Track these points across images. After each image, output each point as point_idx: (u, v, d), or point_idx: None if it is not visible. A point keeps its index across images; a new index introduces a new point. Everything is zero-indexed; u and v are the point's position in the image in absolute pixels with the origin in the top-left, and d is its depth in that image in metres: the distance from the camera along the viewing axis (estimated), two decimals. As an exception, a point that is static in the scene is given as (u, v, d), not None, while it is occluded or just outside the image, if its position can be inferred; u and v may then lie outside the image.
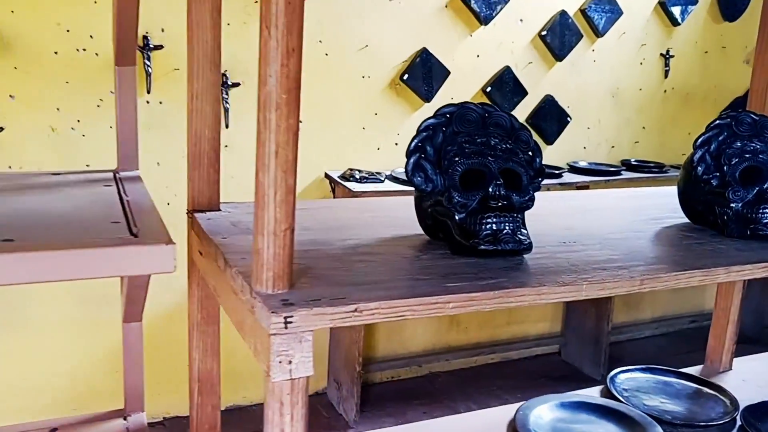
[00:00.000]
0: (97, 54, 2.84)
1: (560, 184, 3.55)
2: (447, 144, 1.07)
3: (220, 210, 1.27)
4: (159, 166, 3.01)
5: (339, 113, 3.31)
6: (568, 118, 3.87)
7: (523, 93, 3.71)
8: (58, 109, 2.81)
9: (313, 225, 1.20)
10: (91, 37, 2.82)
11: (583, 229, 1.28)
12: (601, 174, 3.75)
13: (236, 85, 3.08)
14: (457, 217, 1.05)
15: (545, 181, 3.56)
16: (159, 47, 2.93)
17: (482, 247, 1.01)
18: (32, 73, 2.74)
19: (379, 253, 1.05)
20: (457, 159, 1.05)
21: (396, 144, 3.49)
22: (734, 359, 2.02)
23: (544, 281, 0.95)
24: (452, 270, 0.98)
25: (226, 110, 3.07)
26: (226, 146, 3.10)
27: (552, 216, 1.38)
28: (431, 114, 1.09)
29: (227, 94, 3.06)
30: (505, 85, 3.65)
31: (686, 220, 1.39)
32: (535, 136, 3.81)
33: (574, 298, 0.97)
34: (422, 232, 1.14)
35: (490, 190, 1.04)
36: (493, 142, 1.07)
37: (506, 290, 0.91)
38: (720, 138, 1.30)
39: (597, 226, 1.31)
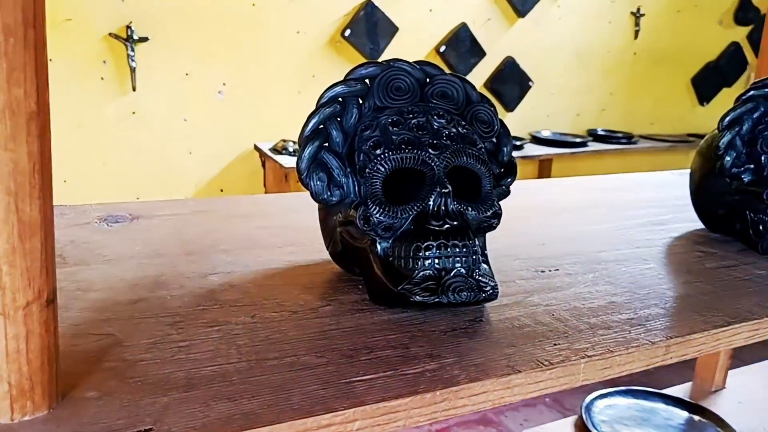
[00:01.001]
0: None
1: (521, 157, 3.19)
2: (364, 127, 0.67)
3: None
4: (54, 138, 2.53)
5: (270, 75, 2.86)
6: (530, 83, 3.49)
7: (480, 54, 3.32)
8: None
9: (163, 246, 0.79)
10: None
11: (564, 244, 0.90)
12: (565, 145, 3.40)
13: (144, 39, 2.61)
14: (378, 247, 0.65)
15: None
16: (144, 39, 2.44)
17: (418, 298, 0.62)
18: None
19: (249, 305, 0.65)
20: (378, 152, 0.65)
21: (337, 111, 3.07)
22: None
23: (517, 362, 0.57)
24: (366, 342, 0.59)
25: (133, 70, 2.60)
26: (134, 113, 2.64)
27: (518, 221, 0.99)
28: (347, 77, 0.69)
29: (133, 50, 2.58)
30: (461, 45, 3.25)
31: (699, 224, 1.02)
32: (495, 103, 3.42)
33: (566, 387, 0.59)
34: (331, 259, 0.75)
35: (431, 202, 0.64)
36: (437, 123, 0.67)
37: (455, 389, 0.53)
38: (756, 115, 0.92)
39: (582, 239, 0.93)
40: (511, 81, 3.44)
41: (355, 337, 0.59)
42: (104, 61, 2.57)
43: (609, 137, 3.60)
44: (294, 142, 2.82)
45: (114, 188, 2.63)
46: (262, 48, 2.82)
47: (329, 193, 0.66)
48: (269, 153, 2.77)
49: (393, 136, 0.65)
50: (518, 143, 3.27)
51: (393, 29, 3.05)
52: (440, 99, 0.70)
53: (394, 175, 0.65)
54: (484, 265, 0.66)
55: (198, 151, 2.77)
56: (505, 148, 0.73)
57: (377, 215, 0.64)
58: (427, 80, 0.70)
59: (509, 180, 0.72)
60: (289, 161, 2.70)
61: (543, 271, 0.79)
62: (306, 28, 2.89)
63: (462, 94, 0.71)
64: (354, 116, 0.68)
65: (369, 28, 2.98)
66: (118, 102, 2.61)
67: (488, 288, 0.64)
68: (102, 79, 2.58)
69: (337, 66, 3.01)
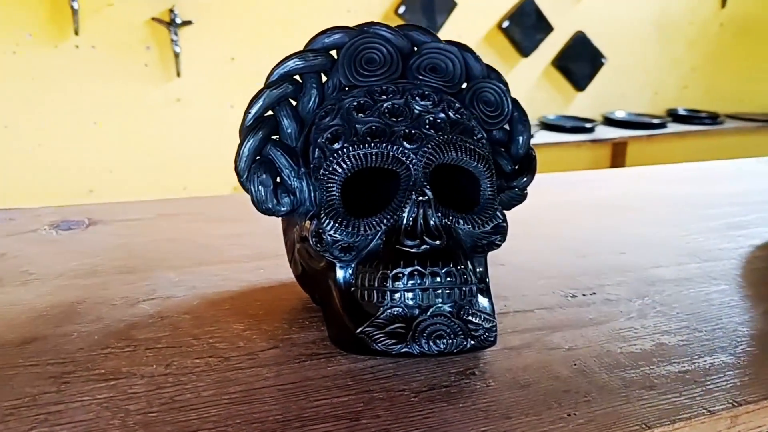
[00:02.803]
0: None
1: (591, 141, 2.93)
2: (324, 113, 0.51)
3: (-27, 227, 0.73)
4: (97, 127, 2.48)
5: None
6: (603, 59, 3.21)
7: (547, 29, 3.07)
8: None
9: (104, 260, 0.65)
10: (-2, -35, 2.27)
11: (609, 257, 0.71)
12: (642, 127, 3.11)
13: (187, 23, 2.51)
14: (338, 273, 0.49)
15: (570, 137, 2.93)
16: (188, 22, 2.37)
17: (379, 345, 0.46)
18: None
19: (171, 347, 0.50)
20: (336, 146, 0.48)
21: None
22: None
23: (509, 447, 0.40)
24: (304, 408, 0.43)
25: (177, 55, 2.51)
26: (179, 100, 2.55)
27: (554, 224, 0.81)
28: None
29: (176, 35, 2.49)
30: (526, 19, 3.01)
31: (791, 228, 0.81)
32: (563, 82, 3.17)
33: (583, 479, 0.42)
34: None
35: (405, 214, 0.47)
36: (419, 107, 0.50)
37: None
38: None
39: (634, 249, 0.74)
40: (582, 58, 3.17)
41: (292, 399, 0.44)
42: (147, 47, 2.49)
43: (691, 117, 3.28)
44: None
45: (160, 178, 2.56)
46: (310, 29, 2.65)
47: (275, 201, 0.50)
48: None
49: (357, 125, 0.49)
50: (588, 125, 3.01)
51: (450, 4, 2.85)
52: (429, 74, 0.52)
53: (359, 178, 0.49)
54: (482, 300, 0.49)
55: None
56: (520, 138, 0.55)
57: (331, 232, 0.47)
58: (412, 48, 0.53)
59: (525, 180, 0.54)
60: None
61: (574, 296, 0.61)
62: (356, 6, 2.73)
63: (459, 67, 0.53)
64: (313, 99, 0.52)
65: (425, 4, 2.79)
66: (162, 88, 2.53)
67: (479, 332, 0.47)
68: (146, 65, 2.50)
69: (390, 46, 2.84)
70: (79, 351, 0.49)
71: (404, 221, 0.47)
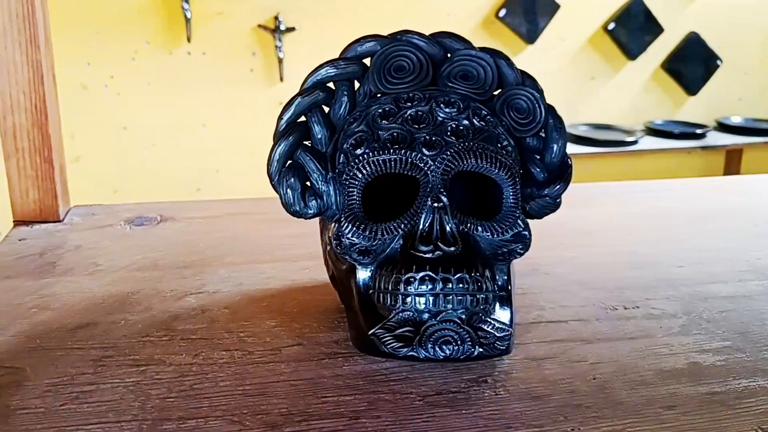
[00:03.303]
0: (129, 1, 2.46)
1: (702, 147, 2.78)
2: (353, 119, 0.52)
3: (60, 221, 0.80)
4: (205, 129, 2.63)
5: (418, 61, 2.74)
6: (718, 61, 3.03)
7: (657, 30, 2.93)
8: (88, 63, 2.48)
9: (166, 255, 0.70)
10: (121, -22, 2.45)
11: (664, 270, 0.68)
12: (760, 133, 2.91)
13: (291, 29, 2.60)
14: (358, 275, 0.51)
15: (679, 144, 2.78)
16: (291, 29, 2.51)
17: (387, 348, 0.47)
18: (61, 23, 2.41)
19: (204, 338, 0.53)
20: (359, 152, 0.50)
21: (489, 97, 2.87)
22: None
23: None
24: (309, 404, 0.44)
25: (280, 61, 2.61)
26: (281, 104, 2.64)
27: (612, 233, 0.78)
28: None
29: (280, 41, 2.59)
30: (634, 20, 2.89)
31: None
32: (674, 85, 3.01)
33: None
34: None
35: (422, 220, 0.48)
36: (443, 114, 0.50)
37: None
38: None
39: (693, 263, 0.70)
40: (695, 60, 3.00)
41: (301, 395, 0.46)
42: (253, 53, 2.61)
43: (818, 123, 3.03)
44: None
45: (263, 178, 2.66)
46: (409, 33, 2.70)
47: (303, 204, 0.52)
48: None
49: (380, 132, 0.50)
50: (699, 131, 2.86)
51: (553, 6, 2.79)
52: (460, 81, 0.53)
53: (383, 183, 0.50)
54: (499, 308, 0.49)
55: (344, 141, 2.73)
56: (554, 146, 0.54)
57: (350, 235, 0.49)
58: (444, 56, 0.54)
59: (557, 188, 0.53)
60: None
61: (615, 309, 0.59)
62: (456, 10, 2.72)
63: (492, 74, 0.53)
64: (344, 106, 0.53)
65: (527, 7, 2.74)
66: (266, 93, 2.64)
67: (489, 340, 0.47)
68: (251, 70, 2.62)
69: (489, 49, 2.81)
70: (122, 338, 0.53)
71: (420, 227, 0.48)
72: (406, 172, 0.49)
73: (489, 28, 2.78)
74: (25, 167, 0.77)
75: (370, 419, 0.43)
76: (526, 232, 0.50)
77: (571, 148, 2.64)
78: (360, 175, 0.49)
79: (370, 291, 0.49)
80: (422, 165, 0.48)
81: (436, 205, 0.48)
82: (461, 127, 0.50)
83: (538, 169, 0.54)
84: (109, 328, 0.55)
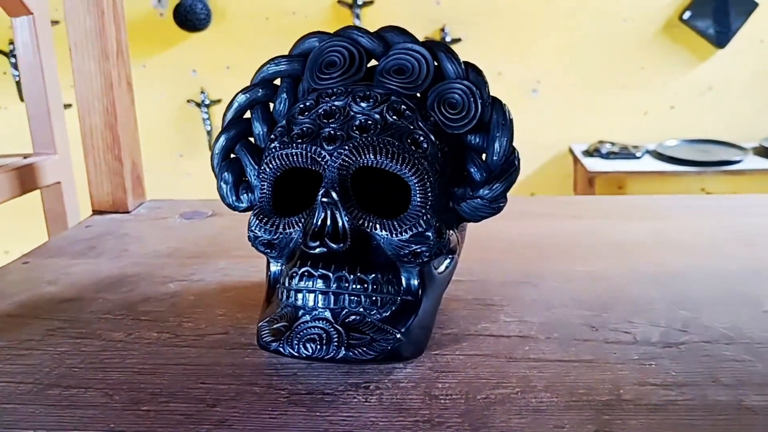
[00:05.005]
0: (306, 16, 2.65)
1: None
2: (289, 115, 0.53)
3: (128, 212, 0.90)
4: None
5: (590, 70, 2.60)
6: None
7: None
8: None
9: (189, 245, 0.75)
10: (300, -2, 2.64)
11: (690, 288, 0.59)
12: None
13: (456, 41, 2.62)
14: (270, 268, 0.51)
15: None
16: (369, 2, 2.62)
17: (263, 339, 0.47)
18: (244, 41, 2.66)
19: (150, 321, 0.56)
20: (272, 146, 0.50)
21: (672, 107, 2.64)
22: None
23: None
24: (182, 386, 0.46)
25: (446, 72, 2.62)
26: (445, 114, 2.67)
27: (697, 251, 0.69)
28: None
29: (446, 52, 2.61)
30: None
31: None
32: None
33: None
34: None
35: (315, 216, 0.47)
36: (356, 108, 0.49)
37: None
38: None
39: (728, 281, 0.60)
40: None
41: (183, 378, 0.47)
42: (420, 65, 2.66)
43: None
44: (611, 143, 2.52)
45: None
46: (581, 41, 2.58)
47: (235, 197, 0.54)
48: (579, 155, 2.53)
49: (294, 127, 0.50)
50: None
51: (749, 6, 2.49)
52: (394, 76, 0.51)
53: (288, 179, 0.50)
54: (394, 312, 0.46)
55: (509, 152, 2.67)
56: (496, 144, 0.50)
57: (254, 228, 0.50)
58: (378, 50, 0.53)
59: (495, 189, 0.49)
60: (597, 164, 2.42)
61: (595, 329, 0.53)
62: (634, 14, 2.54)
63: (427, 68, 0.51)
64: (283, 103, 0.54)
65: (717, 7, 2.48)
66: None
67: (358, 344, 0.44)
68: (417, 82, 2.67)
69: (671, 55, 2.58)
70: (89, 313, 0.59)
71: (313, 222, 0.47)
72: (308, 167, 0.48)
73: (671, 33, 2.56)
74: (100, 163, 0.88)
75: (226, 408, 0.43)
76: (429, 233, 0.47)
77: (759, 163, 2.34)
78: (268, 170, 0.50)
79: (277, 285, 0.50)
80: (320, 159, 0.48)
81: (325, 200, 0.47)
82: (369, 122, 0.48)
83: (475, 169, 0.50)
84: (87, 304, 0.61)
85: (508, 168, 0.50)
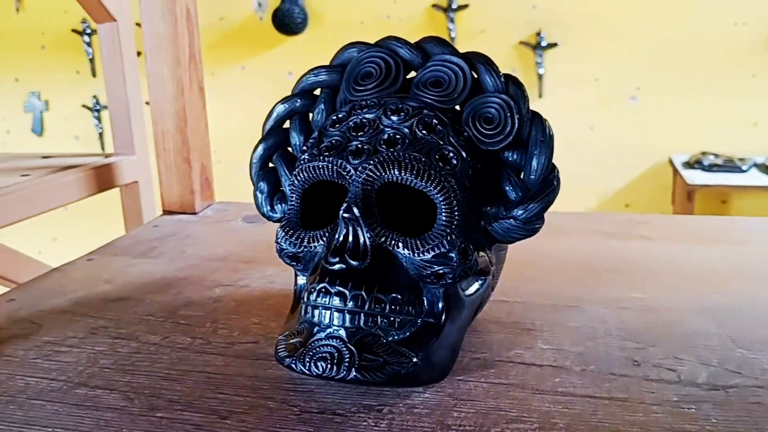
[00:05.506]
0: (400, 20, 2.65)
1: None
2: (322, 126, 0.52)
3: (195, 213, 0.93)
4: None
5: (695, 76, 2.46)
6: None
7: None
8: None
9: (244, 249, 0.76)
10: (394, 2, 2.65)
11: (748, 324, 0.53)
12: None
13: (552, 45, 2.54)
14: (298, 282, 0.51)
15: None
16: (464, 6, 2.59)
17: (279, 354, 0.46)
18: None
19: (188, 326, 0.57)
20: (302, 158, 0.50)
21: (786, 118, 2.45)
22: None
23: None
24: (201, 395, 0.46)
25: (540, 77, 2.56)
26: (537, 120, 2.60)
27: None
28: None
29: (541, 57, 2.55)
30: None
31: None
32: None
33: None
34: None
35: (338, 231, 0.46)
36: (387, 122, 0.48)
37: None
38: None
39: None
40: None
41: (203, 387, 0.48)
42: (513, 70, 2.60)
43: None
44: (715, 155, 2.37)
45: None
46: (686, 45, 2.44)
47: (269, 207, 0.54)
48: (679, 167, 2.39)
49: (324, 139, 0.49)
50: None
51: None
52: (430, 88, 0.50)
53: (315, 191, 0.50)
54: (414, 334, 0.45)
55: (604, 161, 2.57)
56: (534, 162, 0.48)
57: (280, 240, 0.49)
58: (415, 61, 0.51)
59: (530, 210, 0.47)
60: (698, 177, 2.28)
61: (637, 364, 0.49)
62: (747, 17, 2.38)
63: (464, 81, 0.49)
64: (321, 113, 0.54)
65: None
66: (522, 110, 2.62)
67: (370, 366, 0.43)
68: (510, 87, 2.62)
69: (788, 62, 2.41)
70: (133, 314, 0.61)
71: (336, 238, 0.46)
72: (334, 180, 0.48)
73: (790, 37, 2.38)
74: (170, 166, 0.91)
75: (236, 422, 0.43)
76: (453, 255, 0.45)
77: None
78: (297, 181, 0.49)
79: (300, 299, 0.49)
80: (345, 173, 0.47)
81: (346, 216, 0.46)
82: (398, 136, 0.47)
83: (510, 187, 0.48)
84: (133, 305, 0.63)
85: (545, 187, 0.48)
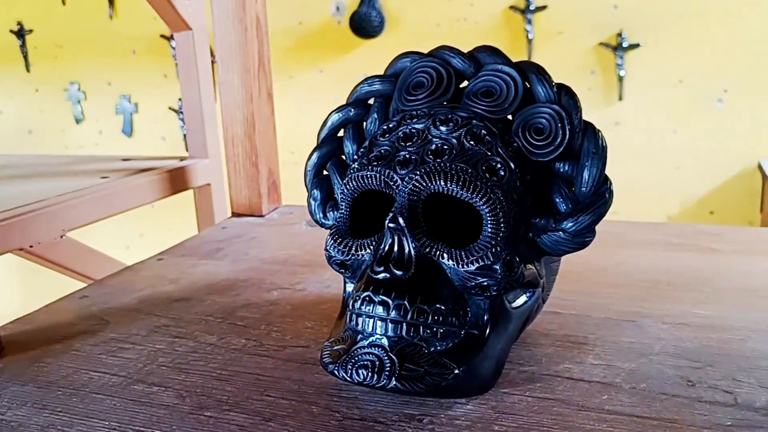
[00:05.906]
0: (477, 23, 2.63)
1: None
2: (373, 136, 0.53)
3: (262, 216, 0.95)
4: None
5: (789, 78, 2.33)
6: None
7: None
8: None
9: (304, 254, 0.77)
10: (471, 4, 2.63)
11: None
12: None
13: (634, 46, 2.46)
14: (346, 289, 0.52)
15: None
16: (542, 8, 2.54)
17: (324, 360, 0.47)
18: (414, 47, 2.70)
19: (244, 327, 0.59)
20: (353, 167, 0.51)
21: None
22: None
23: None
24: (248, 396, 0.48)
25: (620, 79, 2.49)
26: (617, 123, 2.53)
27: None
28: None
29: (622, 58, 2.47)
30: None
31: None
32: None
33: None
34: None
35: (384, 241, 0.47)
36: (435, 132, 0.48)
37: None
38: None
39: None
40: None
41: (251, 388, 0.49)
42: (592, 72, 2.53)
43: None
44: (810, 162, 2.24)
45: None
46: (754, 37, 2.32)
47: (321, 215, 0.55)
48: (770, 173, 2.27)
49: (374, 148, 0.50)
50: None
51: None
52: (481, 98, 0.49)
53: (364, 201, 0.50)
54: (458, 345, 0.45)
55: (687, 166, 2.46)
56: (585, 173, 0.47)
57: (329, 248, 0.50)
58: (467, 71, 0.51)
59: (580, 222, 0.46)
60: (790, 184, 2.16)
61: (691, 384, 0.48)
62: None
63: (515, 91, 0.49)
64: (374, 122, 0.54)
65: None
66: (601, 112, 2.54)
67: (410, 376, 0.43)
68: (588, 89, 2.55)
69: None
70: (194, 314, 0.63)
71: (381, 247, 0.47)
72: (382, 190, 0.48)
73: None
74: (239, 170, 0.94)
75: (278, 425, 0.44)
76: (497, 267, 0.44)
77: None
78: (346, 190, 0.50)
79: (346, 306, 0.50)
80: (392, 183, 0.47)
81: (392, 225, 0.46)
82: (445, 147, 0.47)
83: (561, 199, 0.47)
84: (195, 305, 0.65)
85: (596, 200, 0.47)
